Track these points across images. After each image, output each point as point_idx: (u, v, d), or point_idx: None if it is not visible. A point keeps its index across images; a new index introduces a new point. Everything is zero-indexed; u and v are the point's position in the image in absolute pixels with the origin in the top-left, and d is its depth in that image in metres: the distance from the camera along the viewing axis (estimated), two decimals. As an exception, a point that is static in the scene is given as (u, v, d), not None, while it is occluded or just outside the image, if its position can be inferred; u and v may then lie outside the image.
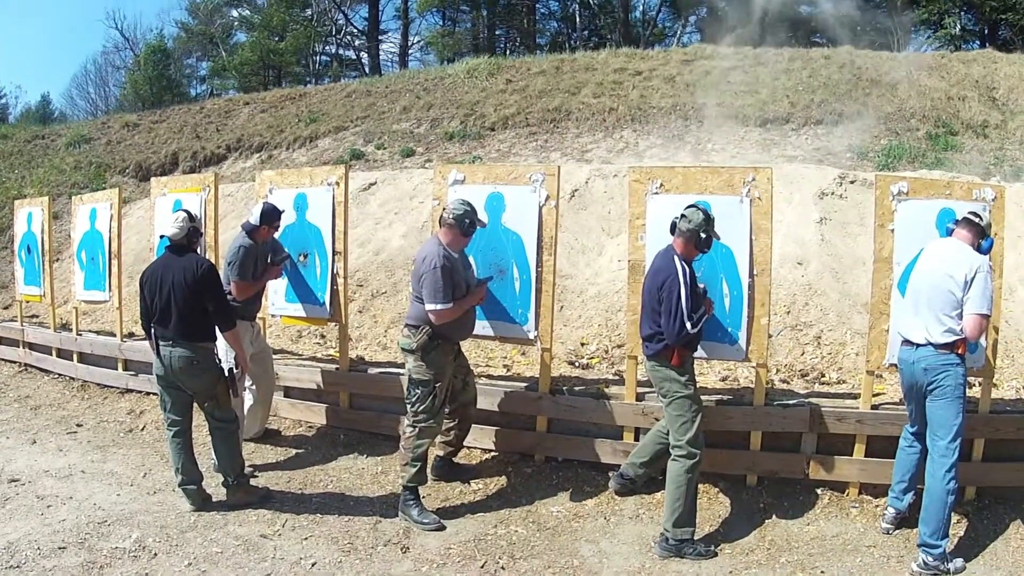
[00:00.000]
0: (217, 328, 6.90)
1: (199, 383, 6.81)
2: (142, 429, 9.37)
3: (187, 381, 6.78)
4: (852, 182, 12.25)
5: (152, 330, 6.82)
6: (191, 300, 6.63)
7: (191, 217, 6.99)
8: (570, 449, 7.60)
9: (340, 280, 8.46)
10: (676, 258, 6.09)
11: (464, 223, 6.64)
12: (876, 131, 17.53)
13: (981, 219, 5.99)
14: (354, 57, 55.82)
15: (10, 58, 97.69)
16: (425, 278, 6.48)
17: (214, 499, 7.05)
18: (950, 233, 6.07)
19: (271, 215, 7.93)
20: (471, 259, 7.22)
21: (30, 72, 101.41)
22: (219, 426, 6.94)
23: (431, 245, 6.68)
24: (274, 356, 8.94)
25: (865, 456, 6.79)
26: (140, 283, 6.93)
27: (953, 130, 17.23)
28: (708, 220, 6.15)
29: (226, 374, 6.98)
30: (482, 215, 7.13)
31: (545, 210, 7.43)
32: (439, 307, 6.46)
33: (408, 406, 6.75)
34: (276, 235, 8.27)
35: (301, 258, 8.65)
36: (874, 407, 6.82)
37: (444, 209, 6.90)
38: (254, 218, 7.84)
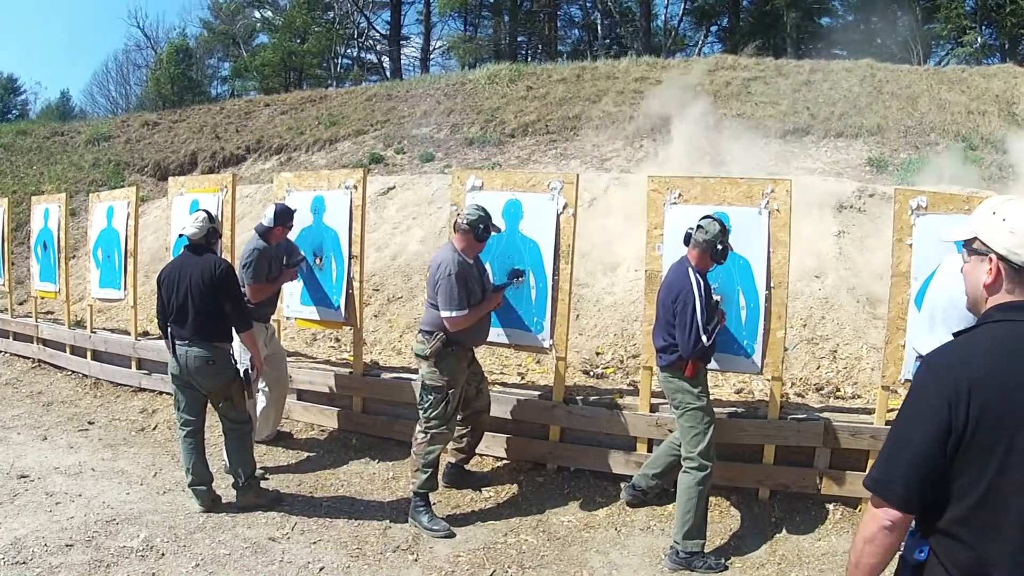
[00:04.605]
0: (234, 329, 6.90)
1: (214, 383, 6.81)
2: (154, 428, 9.39)
3: (202, 381, 6.78)
4: (871, 195, 12.19)
5: (168, 329, 6.84)
6: (208, 300, 6.64)
7: (211, 217, 7.00)
8: (582, 459, 7.56)
9: (356, 284, 8.45)
10: (690, 270, 6.04)
11: (478, 228, 6.61)
12: (896, 144, 17.47)
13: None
14: (376, 61, 55.99)
15: (31, 55, 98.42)
16: (440, 285, 6.47)
17: (224, 501, 7.04)
18: (968, 249, 6.00)
19: (284, 216, 7.94)
20: (487, 265, 7.20)
21: (51, 69, 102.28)
22: (232, 427, 6.94)
23: (446, 251, 6.66)
24: (288, 359, 8.93)
25: (879, 473, 6.72)
26: (158, 282, 6.94)
27: (973, 145, 17.15)
28: (724, 231, 6.11)
29: (241, 375, 6.99)
30: (499, 221, 7.12)
31: (563, 218, 7.40)
32: (454, 314, 6.44)
33: (421, 412, 6.72)
34: (292, 237, 8.29)
35: (317, 261, 8.64)
36: (889, 423, 6.74)
37: (459, 215, 6.89)
38: (267, 220, 7.85)
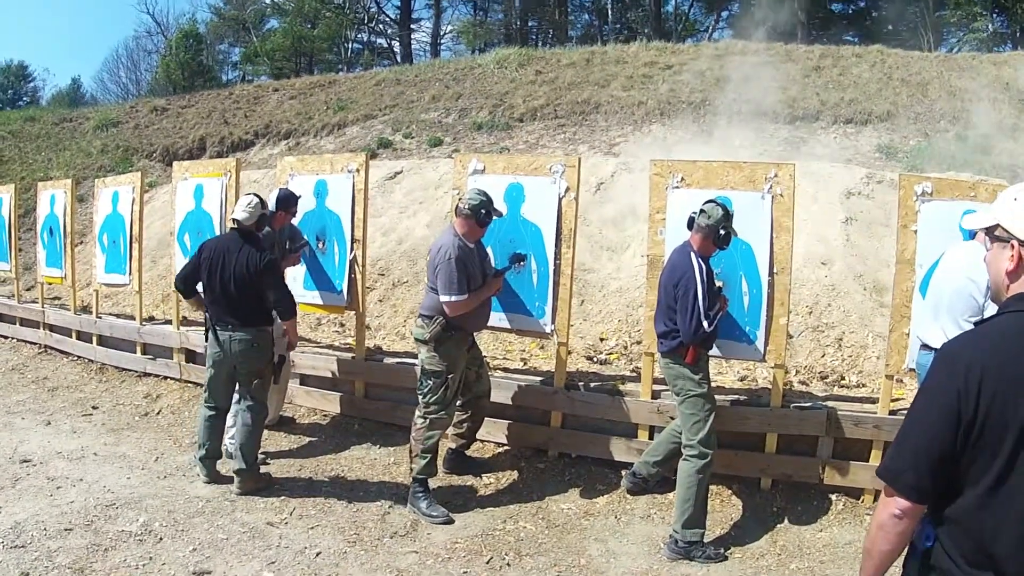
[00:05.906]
0: (277, 316, 7.08)
1: (255, 363, 6.97)
2: (157, 413, 9.40)
3: (243, 363, 6.93)
4: (879, 182, 12.10)
5: (206, 313, 7.07)
6: (249, 289, 6.79)
7: (263, 203, 7.10)
8: (583, 445, 7.52)
9: (358, 268, 8.42)
10: (693, 255, 5.98)
11: (480, 213, 6.56)
12: (905, 131, 17.35)
13: (1005, 222, 5.84)
14: (386, 45, 55.96)
15: (43, 42, 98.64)
16: (440, 269, 6.43)
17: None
18: (973, 236, 5.93)
19: (287, 201, 7.96)
20: (489, 249, 7.17)
21: (62, 56, 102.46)
22: (254, 406, 7.04)
23: (447, 235, 6.62)
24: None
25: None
26: (199, 249, 7.14)
27: (983, 132, 17.02)
28: (727, 216, 6.04)
29: (275, 359, 7.14)
30: (500, 205, 7.08)
31: (565, 202, 7.35)
32: (453, 299, 6.41)
33: (420, 397, 6.70)
34: (294, 222, 8.27)
35: (320, 245, 8.61)
36: (892, 412, 6.68)
37: (460, 199, 6.85)
38: (270, 205, 7.83)
